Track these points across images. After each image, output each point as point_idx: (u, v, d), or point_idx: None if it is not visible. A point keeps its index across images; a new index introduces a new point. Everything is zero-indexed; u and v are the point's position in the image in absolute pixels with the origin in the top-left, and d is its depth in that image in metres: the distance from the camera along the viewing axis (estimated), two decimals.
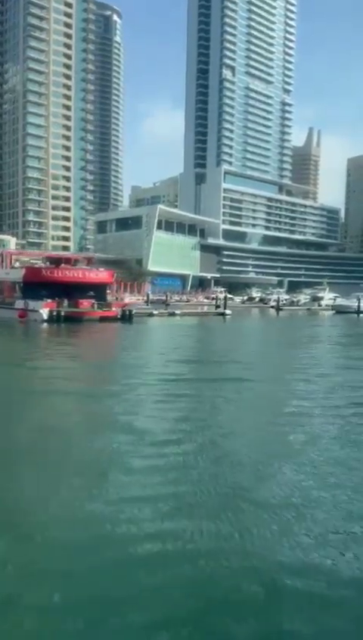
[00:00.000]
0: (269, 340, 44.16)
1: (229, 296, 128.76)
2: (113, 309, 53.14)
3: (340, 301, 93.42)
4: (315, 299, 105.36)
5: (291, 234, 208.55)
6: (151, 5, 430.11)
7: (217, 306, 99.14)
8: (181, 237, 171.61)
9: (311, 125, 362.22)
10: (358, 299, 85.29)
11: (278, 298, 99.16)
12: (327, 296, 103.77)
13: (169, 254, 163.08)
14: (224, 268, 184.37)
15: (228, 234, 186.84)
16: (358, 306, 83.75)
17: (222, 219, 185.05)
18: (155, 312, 62.84)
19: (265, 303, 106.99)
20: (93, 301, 51.82)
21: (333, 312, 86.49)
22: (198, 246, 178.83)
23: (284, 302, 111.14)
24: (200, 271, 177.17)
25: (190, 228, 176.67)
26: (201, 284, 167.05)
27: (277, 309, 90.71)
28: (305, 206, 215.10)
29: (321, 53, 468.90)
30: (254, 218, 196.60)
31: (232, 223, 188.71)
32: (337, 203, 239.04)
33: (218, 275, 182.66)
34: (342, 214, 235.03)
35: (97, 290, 53.19)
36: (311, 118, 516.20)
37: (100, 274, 55.81)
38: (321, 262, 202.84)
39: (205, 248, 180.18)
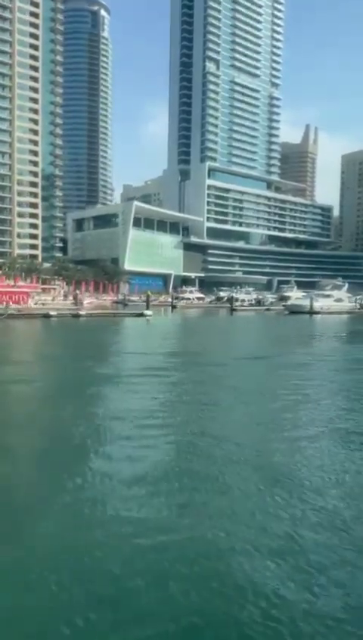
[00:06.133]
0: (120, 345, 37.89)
1: (201, 295, 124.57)
2: None
3: (293, 301, 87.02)
4: (282, 298, 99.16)
5: (281, 232, 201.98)
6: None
7: (174, 306, 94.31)
8: (162, 235, 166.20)
9: (315, 125, 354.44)
10: (311, 299, 78.86)
11: (232, 297, 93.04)
12: (295, 295, 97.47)
13: (149, 253, 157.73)
14: (210, 267, 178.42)
15: (215, 233, 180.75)
16: (311, 306, 77.24)
17: (207, 217, 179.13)
18: (52, 312, 57.10)
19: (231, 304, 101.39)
20: None
21: (287, 312, 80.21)
22: (181, 245, 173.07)
23: (251, 301, 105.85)
24: (184, 270, 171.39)
25: (172, 226, 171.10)
26: (185, 284, 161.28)
27: (231, 309, 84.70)
28: (296, 203, 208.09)
29: (321, 50, 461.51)
30: (241, 216, 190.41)
31: (217, 221, 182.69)
32: (336, 201, 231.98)
33: (202, 275, 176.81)
34: (338, 212, 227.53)
35: None
36: (314, 117, 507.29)
37: None
38: (313, 261, 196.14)
39: (189, 247, 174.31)
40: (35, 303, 69.75)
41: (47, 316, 56.05)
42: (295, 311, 78.54)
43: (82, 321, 55.42)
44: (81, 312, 59.80)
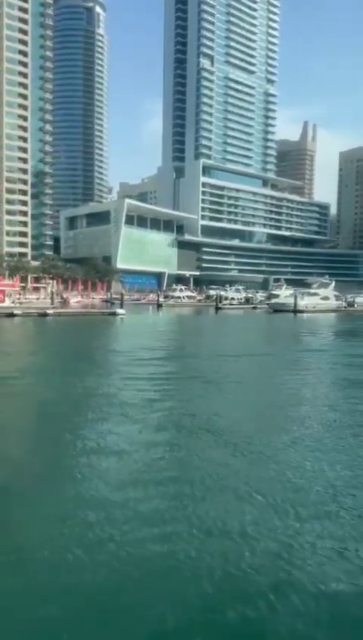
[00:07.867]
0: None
1: (191, 294, 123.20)
2: None
3: (278, 300, 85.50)
4: (271, 296, 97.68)
5: (277, 230, 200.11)
6: None
7: (159, 305, 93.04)
8: (155, 233, 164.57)
9: (314, 122, 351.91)
10: (295, 297, 77.21)
11: (217, 296, 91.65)
12: (284, 294, 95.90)
13: (142, 251, 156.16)
14: (205, 265, 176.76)
15: (210, 231, 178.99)
16: (295, 304, 75.53)
17: (202, 215, 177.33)
18: (17, 311, 55.43)
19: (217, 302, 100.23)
20: None
21: (272, 310, 78.64)
22: (175, 243, 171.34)
23: (241, 300, 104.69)
24: (178, 268, 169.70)
25: (166, 224, 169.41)
26: (179, 283, 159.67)
27: (216, 308, 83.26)
28: (292, 201, 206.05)
29: (321, 46, 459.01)
30: (236, 214, 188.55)
31: (212, 219, 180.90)
32: (334, 198, 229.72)
33: (197, 273, 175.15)
34: (335, 209, 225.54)
35: None
36: (313, 115, 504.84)
37: None
38: (309, 259, 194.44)
39: (183, 245, 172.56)
40: (13, 302, 68.36)
41: (10, 315, 54.39)
42: (279, 309, 76.98)
43: (48, 320, 53.49)
44: (48, 312, 58.09)
